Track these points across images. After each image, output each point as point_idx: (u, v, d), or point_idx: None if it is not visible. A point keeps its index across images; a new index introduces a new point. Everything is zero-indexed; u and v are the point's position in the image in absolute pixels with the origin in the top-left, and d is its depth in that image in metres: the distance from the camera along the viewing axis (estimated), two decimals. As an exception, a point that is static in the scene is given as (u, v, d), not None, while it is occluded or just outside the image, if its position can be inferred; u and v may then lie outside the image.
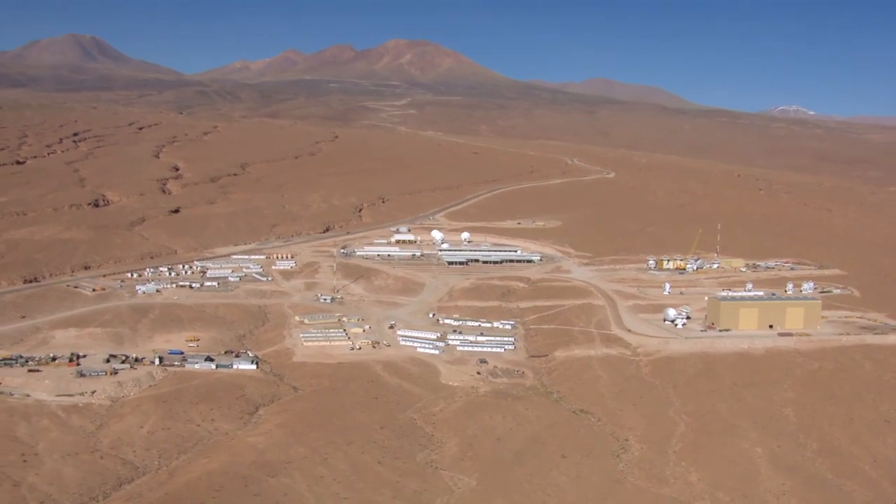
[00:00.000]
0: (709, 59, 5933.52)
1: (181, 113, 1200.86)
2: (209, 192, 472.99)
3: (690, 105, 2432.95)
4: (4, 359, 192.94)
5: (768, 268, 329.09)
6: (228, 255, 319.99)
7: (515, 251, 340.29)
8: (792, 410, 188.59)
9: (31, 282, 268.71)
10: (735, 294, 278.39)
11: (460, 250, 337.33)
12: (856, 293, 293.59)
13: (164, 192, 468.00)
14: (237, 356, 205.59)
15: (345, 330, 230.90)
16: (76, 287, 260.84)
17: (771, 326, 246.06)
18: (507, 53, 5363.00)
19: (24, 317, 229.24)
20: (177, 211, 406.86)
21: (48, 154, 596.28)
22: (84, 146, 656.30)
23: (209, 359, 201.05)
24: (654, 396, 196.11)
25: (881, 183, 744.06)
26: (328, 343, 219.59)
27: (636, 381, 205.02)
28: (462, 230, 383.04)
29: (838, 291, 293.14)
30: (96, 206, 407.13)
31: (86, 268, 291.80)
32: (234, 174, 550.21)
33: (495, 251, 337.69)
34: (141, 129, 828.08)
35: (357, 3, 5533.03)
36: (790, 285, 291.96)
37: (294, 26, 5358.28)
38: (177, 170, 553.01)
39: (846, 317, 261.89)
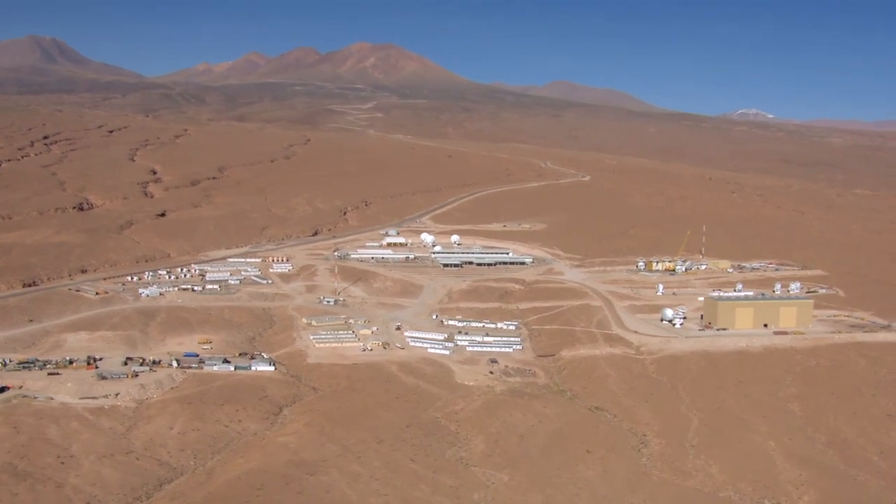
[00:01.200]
0: (668, 62, 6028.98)
1: (147, 116, 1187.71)
2: (192, 195, 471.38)
3: (653, 108, 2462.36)
4: (22, 362, 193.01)
5: (754, 269, 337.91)
6: (224, 258, 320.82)
7: (507, 253, 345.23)
8: (797, 405, 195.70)
9: (30, 286, 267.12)
10: (728, 294, 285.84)
11: (454, 253, 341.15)
12: (840, 293, 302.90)
13: (146, 195, 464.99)
14: (252, 358, 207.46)
15: (354, 332, 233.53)
16: (78, 290, 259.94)
17: (765, 325, 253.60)
18: (469, 57, 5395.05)
19: (31, 320, 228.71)
20: (163, 214, 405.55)
21: (21, 157, 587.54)
22: (57, 149, 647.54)
23: (226, 361, 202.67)
24: (663, 393, 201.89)
25: (846, 185, 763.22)
26: (340, 344, 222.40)
27: (644, 379, 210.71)
28: (449, 233, 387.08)
29: (824, 291, 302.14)
30: (81, 209, 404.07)
31: (82, 271, 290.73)
32: (214, 178, 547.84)
33: (488, 253, 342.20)
34: (111, 132, 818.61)
35: (320, 6, 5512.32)
36: (778, 285, 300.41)
37: (257, 29, 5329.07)
38: (154, 173, 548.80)
39: (835, 315, 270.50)
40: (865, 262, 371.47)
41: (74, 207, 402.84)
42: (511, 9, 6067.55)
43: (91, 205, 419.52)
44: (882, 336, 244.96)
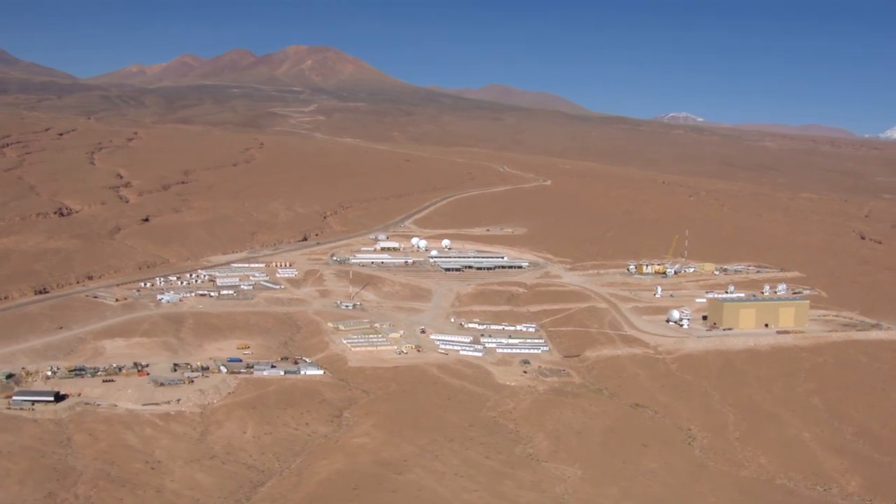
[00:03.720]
0: (598, 66, 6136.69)
1: (89, 118, 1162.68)
2: (168, 200, 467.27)
3: (588, 112, 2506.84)
4: (72, 370, 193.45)
5: (737, 271, 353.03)
6: (227, 263, 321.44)
7: (502, 258, 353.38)
8: (818, 400, 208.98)
9: (41, 292, 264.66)
10: (723, 295, 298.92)
11: (451, 257, 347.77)
12: (823, 294, 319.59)
13: (121, 199, 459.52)
14: (296, 363, 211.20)
15: (384, 335, 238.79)
16: (96, 297, 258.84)
17: (766, 325, 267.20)
18: (404, 59, 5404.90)
19: (61, 328, 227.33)
20: (147, 220, 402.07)
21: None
22: (12, 153, 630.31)
23: (273, 366, 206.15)
24: (693, 390, 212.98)
25: (792, 189, 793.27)
26: (374, 348, 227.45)
27: (671, 378, 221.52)
28: (435, 237, 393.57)
29: (808, 292, 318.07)
30: (62, 214, 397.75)
31: (89, 277, 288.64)
32: (183, 182, 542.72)
33: (486, 258, 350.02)
34: (61, 135, 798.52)
35: (253, 8, 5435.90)
36: (767, 287, 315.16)
37: (189, 30, 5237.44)
38: (121, 177, 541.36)
39: (824, 315, 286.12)
40: (835, 263, 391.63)
41: (55, 212, 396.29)
42: (445, 12, 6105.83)
43: (70, 210, 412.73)
44: (875, 334, 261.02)
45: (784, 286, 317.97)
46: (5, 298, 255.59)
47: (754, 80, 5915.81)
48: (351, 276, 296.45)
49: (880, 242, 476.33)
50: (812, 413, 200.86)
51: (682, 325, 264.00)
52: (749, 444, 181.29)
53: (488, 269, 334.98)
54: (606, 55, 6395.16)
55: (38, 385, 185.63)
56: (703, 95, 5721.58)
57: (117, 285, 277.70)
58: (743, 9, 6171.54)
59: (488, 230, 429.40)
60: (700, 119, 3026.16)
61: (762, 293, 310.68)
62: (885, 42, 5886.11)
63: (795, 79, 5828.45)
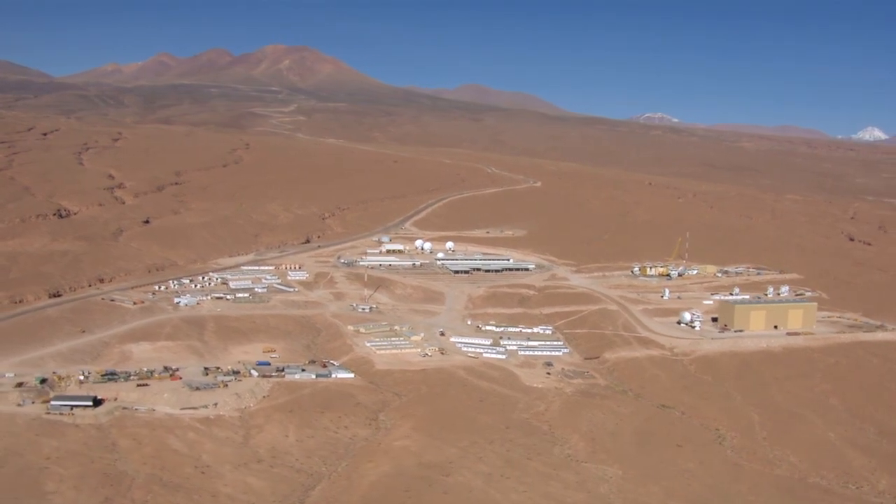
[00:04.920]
0: (571, 66, 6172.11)
1: (69, 118, 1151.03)
2: (164, 201, 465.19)
3: (566, 112, 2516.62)
4: (104, 374, 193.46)
5: (738, 273, 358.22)
6: (236, 266, 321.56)
7: (508, 260, 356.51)
8: (837, 400, 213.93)
9: (55, 296, 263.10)
10: (732, 297, 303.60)
11: (459, 259, 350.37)
12: (824, 295, 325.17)
13: (118, 201, 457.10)
14: (324, 366, 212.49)
15: (406, 338, 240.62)
16: (113, 300, 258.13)
17: (775, 327, 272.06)
18: (381, 59, 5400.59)
19: (83, 331, 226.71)
20: (147, 221, 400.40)
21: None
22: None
23: (303, 369, 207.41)
24: (714, 391, 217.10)
25: (775, 191, 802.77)
26: (399, 351, 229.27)
27: (691, 379, 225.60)
28: (436, 239, 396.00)
29: (810, 294, 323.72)
30: (61, 216, 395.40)
31: (100, 280, 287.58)
32: (176, 183, 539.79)
33: (493, 260, 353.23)
34: (45, 134, 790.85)
35: (231, 8, 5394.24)
36: (770, 289, 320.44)
37: (165, 29, 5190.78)
38: (112, 178, 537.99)
39: (828, 317, 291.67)
40: (829, 265, 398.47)
41: (54, 214, 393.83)
42: (420, 11, 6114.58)
43: (68, 211, 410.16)
44: (881, 335, 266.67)
45: (787, 288, 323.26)
46: (20, 302, 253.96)
47: (728, 80, 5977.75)
48: (366, 279, 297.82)
49: (869, 244, 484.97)
50: (833, 413, 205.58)
51: (693, 327, 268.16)
52: (777, 444, 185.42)
53: (496, 271, 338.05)
54: (580, 55, 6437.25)
55: (72, 389, 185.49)
56: (677, 96, 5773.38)
57: (131, 288, 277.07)
58: (714, 10, 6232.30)
59: (488, 232, 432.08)
60: (676, 119, 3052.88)
61: (766, 295, 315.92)
62: (857, 43, 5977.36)
63: (769, 80, 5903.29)
